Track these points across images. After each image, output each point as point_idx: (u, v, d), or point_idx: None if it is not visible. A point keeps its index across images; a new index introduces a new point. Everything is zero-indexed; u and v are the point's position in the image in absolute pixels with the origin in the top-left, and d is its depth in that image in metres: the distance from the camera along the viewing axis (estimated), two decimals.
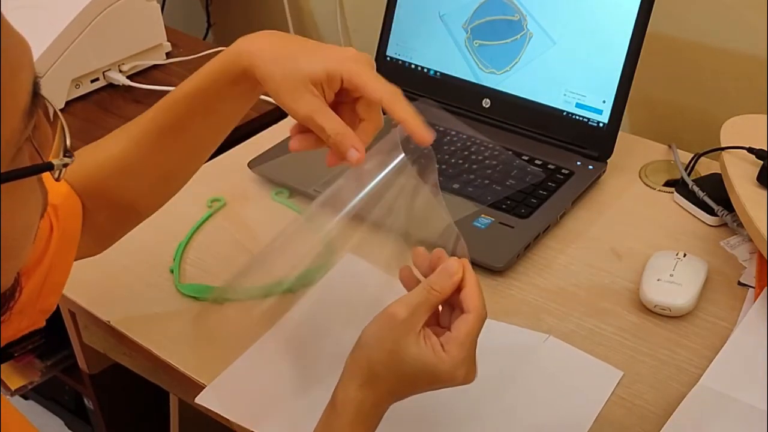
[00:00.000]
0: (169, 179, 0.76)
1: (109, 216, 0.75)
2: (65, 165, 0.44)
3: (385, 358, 0.60)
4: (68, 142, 0.44)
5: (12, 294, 0.49)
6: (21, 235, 0.43)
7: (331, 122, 0.64)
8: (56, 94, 1.20)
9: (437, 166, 0.94)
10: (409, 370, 0.59)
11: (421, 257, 0.66)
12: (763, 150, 0.90)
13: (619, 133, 1.01)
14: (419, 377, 0.60)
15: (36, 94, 0.41)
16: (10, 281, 0.45)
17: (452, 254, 0.65)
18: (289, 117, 1.14)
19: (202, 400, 0.74)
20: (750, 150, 0.91)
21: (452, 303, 0.63)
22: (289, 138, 0.70)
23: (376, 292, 0.85)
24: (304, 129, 0.67)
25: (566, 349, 0.78)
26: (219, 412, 0.72)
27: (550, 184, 0.97)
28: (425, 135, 0.63)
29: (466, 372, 0.60)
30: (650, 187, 1.01)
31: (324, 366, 0.77)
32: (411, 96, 1.12)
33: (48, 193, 0.46)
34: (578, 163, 1.01)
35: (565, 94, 1.03)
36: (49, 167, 0.43)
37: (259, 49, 0.66)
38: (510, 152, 1.02)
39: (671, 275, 0.83)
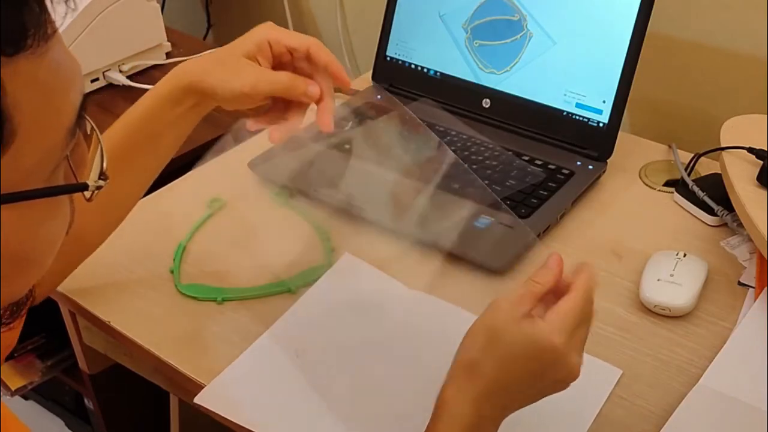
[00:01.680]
0: (115, 209, 0.81)
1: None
2: (99, 187, 0.45)
3: (485, 342, 0.59)
4: (105, 165, 0.46)
5: (25, 301, 0.49)
6: (46, 248, 0.44)
7: (276, 76, 0.71)
8: None
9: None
10: (509, 347, 0.58)
11: None
12: (763, 150, 0.90)
13: (619, 133, 1.00)
14: (519, 354, 0.58)
15: (80, 115, 0.42)
16: (26, 289, 0.46)
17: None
18: None
19: (201, 399, 0.74)
20: (750, 150, 0.91)
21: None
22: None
23: (375, 292, 0.85)
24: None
25: None
26: (218, 412, 0.72)
27: (550, 184, 0.97)
28: (346, 78, 0.72)
29: (567, 341, 0.58)
30: (650, 187, 1.01)
31: (323, 366, 0.77)
32: (411, 96, 1.13)
33: (75, 212, 0.47)
34: (578, 163, 1.01)
35: (565, 94, 1.03)
36: (84, 188, 0.44)
37: (194, 63, 0.74)
38: (510, 152, 1.02)
39: (671, 275, 0.83)
